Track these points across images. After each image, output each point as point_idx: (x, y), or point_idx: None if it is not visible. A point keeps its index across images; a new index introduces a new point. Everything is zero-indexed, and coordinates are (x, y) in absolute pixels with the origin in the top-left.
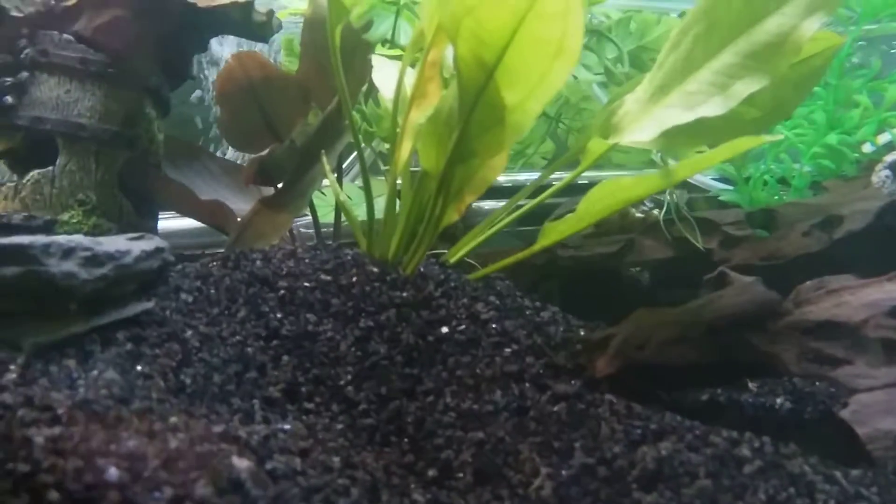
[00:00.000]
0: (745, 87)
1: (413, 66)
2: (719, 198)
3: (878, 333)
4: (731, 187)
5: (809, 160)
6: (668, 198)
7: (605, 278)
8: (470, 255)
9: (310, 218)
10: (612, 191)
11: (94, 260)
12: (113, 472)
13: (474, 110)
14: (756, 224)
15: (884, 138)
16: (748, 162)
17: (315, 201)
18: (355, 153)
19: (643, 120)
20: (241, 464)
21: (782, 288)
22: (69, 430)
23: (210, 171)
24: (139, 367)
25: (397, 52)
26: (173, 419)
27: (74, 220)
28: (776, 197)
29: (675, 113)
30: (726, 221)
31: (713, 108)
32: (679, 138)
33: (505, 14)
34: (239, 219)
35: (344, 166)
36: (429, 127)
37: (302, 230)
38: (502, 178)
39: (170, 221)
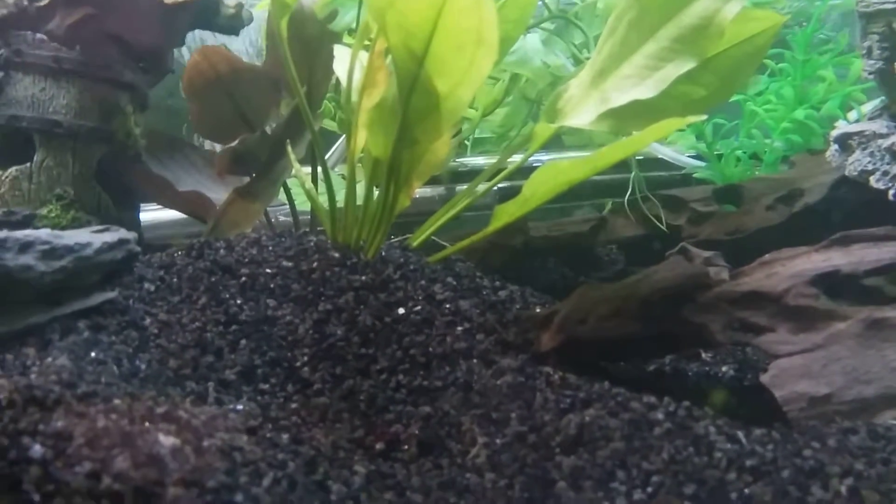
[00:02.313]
0: (675, 69)
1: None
2: (693, 175)
3: (798, 302)
4: (703, 164)
5: (779, 135)
6: (633, 178)
7: (578, 257)
8: (443, 238)
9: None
10: (554, 173)
11: (53, 253)
12: (37, 450)
13: (411, 98)
14: (724, 200)
15: (854, 114)
16: (719, 139)
17: (294, 189)
18: (339, 141)
19: (584, 104)
20: (167, 441)
21: (746, 260)
22: (2, 413)
23: (192, 162)
24: (94, 354)
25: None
26: (116, 401)
27: (53, 215)
28: (749, 172)
29: (612, 96)
30: (693, 198)
31: (646, 90)
32: (627, 119)
33: (423, 6)
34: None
35: (328, 156)
36: (375, 115)
37: (281, 218)
38: (482, 161)
39: (156, 213)
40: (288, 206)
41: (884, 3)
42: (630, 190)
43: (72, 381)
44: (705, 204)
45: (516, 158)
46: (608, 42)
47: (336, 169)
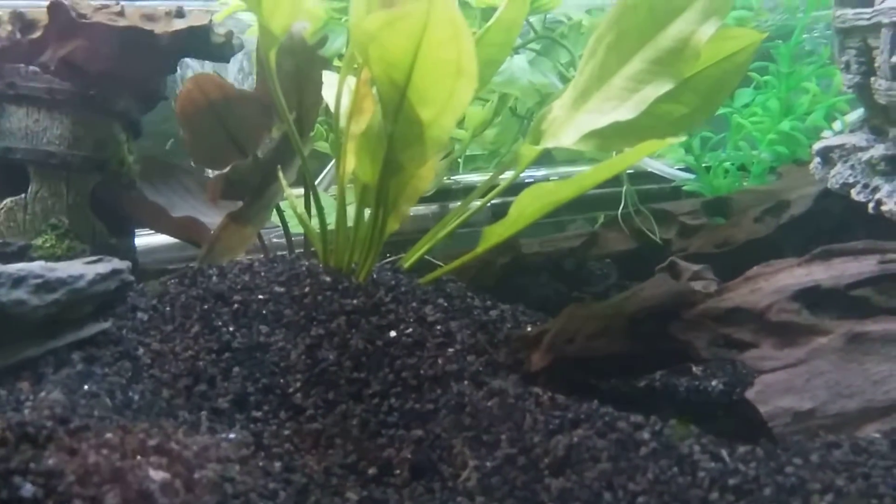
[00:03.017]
0: (653, 90)
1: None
2: (683, 188)
3: (781, 317)
4: (693, 176)
5: (766, 147)
6: (625, 192)
7: (570, 272)
8: (437, 256)
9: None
10: (539, 194)
11: (46, 286)
12: (28, 489)
13: (396, 126)
14: (713, 212)
15: (839, 124)
16: (707, 151)
17: (287, 211)
18: (332, 163)
19: (566, 126)
20: (157, 475)
21: (735, 273)
22: None
23: (186, 187)
24: (87, 387)
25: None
26: (108, 435)
27: (48, 245)
28: (737, 184)
29: (593, 118)
30: (683, 212)
31: (626, 112)
32: (610, 139)
33: (402, 40)
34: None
35: (320, 179)
36: (362, 142)
37: (274, 240)
38: (474, 178)
39: (151, 237)
40: (281, 228)
41: (858, 19)
42: (622, 204)
43: (65, 416)
44: (694, 217)
45: (507, 176)
46: (589, 64)
47: (329, 190)
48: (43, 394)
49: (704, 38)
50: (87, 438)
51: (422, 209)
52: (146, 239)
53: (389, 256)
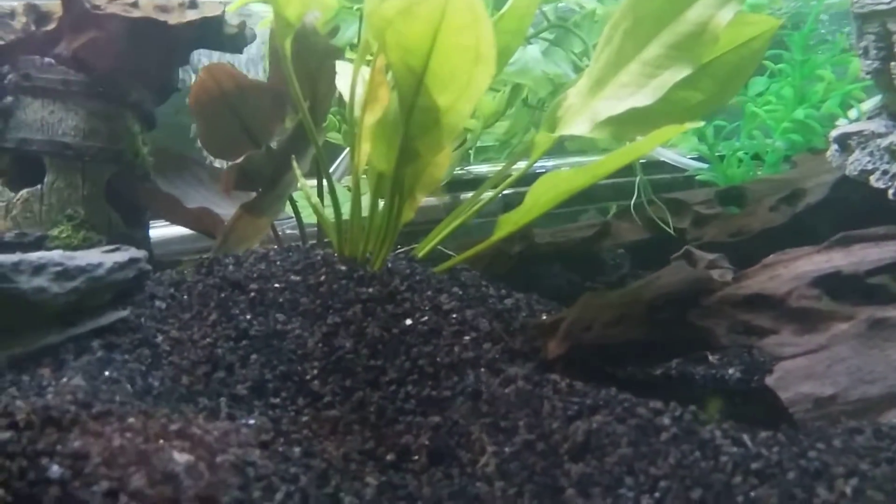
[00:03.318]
0: (671, 76)
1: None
2: (696, 177)
3: (800, 304)
4: (707, 166)
5: (780, 135)
6: (638, 182)
7: (583, 262)
8: (450, 246)
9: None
10: (555, 183)
11: (66, 274)
12: (55, 470)
13: (412, 114)
14: (727, 201)
15: (854, 112)
16: (720, 140)
17: (300, 202)
18: (345, 153)
19: (582, 113)
20: (181, 458)
21: (751, 262)
22: (20, 435)
23: (199, 178)
24: (108, 373)
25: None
26: (130, 420)
27: (64, 235)
28: (751, 173)
29: (610, 104)
30: (696, 201)
31: (643, 98)
32: (626, 126)
33: (420, 25)
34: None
35: (332, 168)
36: (378, 130)
37: (287, 231)
38: (485, 169)
39: (165, 229)
40: (294, 219)
41: (878, 3)
42: (636, 193)
43: (87, 401)
44: (708, 206)
45: (520, 166)
46: (605, 51)
47: (342, 181)
48: (64, 380)
49: (723, 22)
50: (110, 422)
51: (433, 200)
52: (160, 230)
53: (400, 248)
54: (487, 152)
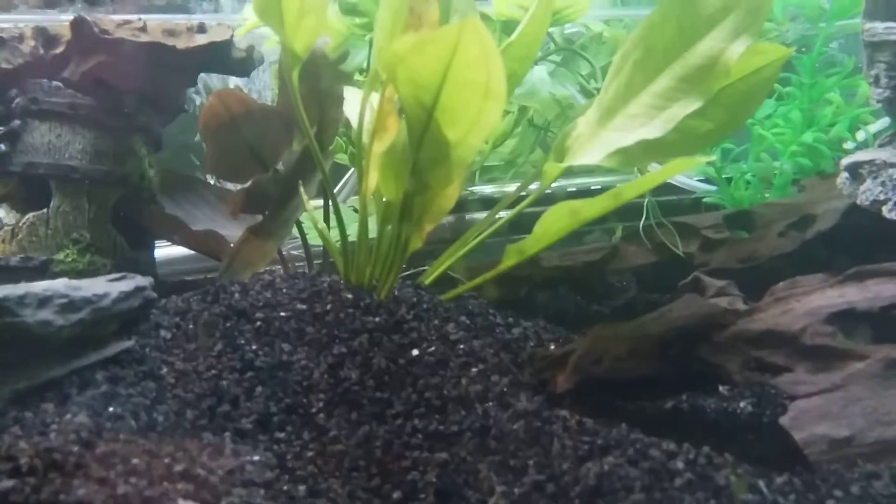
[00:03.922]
0: (681, 109)
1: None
2: (703, 199)
3: (815, 341)
4: (713, 188)
5: (788, 158)
6: (646, 204)
7: (590, 285)
8: (459, 269)
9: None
10: (564, 213)
11: (71, 306)
12: None
13: (422, 146)
14: (735, 226)
15: (862, 134)
16: (728, 163)
17: (306, 224)
18: (351, 172)
19: (592, 143)
20: None
21: (761, 289)
22: (24, 482)
23: (206, 199)
24: (112, 409)
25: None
26: (135, 461)
27: (69, 259)
28: (759, 196)
29: (619, 136)
30: (705, 225)
31: (652, 130)
32: (635, 156)
33: (432, 62)
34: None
35: (338, 187)
36: (386, 160)
37: (292, 252)
38: (489, 189)
39: (171, 248)
40: (298, 240)
41: (889, 33)
42: (644, 216)
43: (91, 441)
44: (717, 231)
45: (531, 187)
46: (614, 81)
47: (347, 202)
48: (68, 416)
49: (735, 56)
50: (114, 465)
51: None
52: (166, 250)
53: (405, 268)
54: (492, 172)
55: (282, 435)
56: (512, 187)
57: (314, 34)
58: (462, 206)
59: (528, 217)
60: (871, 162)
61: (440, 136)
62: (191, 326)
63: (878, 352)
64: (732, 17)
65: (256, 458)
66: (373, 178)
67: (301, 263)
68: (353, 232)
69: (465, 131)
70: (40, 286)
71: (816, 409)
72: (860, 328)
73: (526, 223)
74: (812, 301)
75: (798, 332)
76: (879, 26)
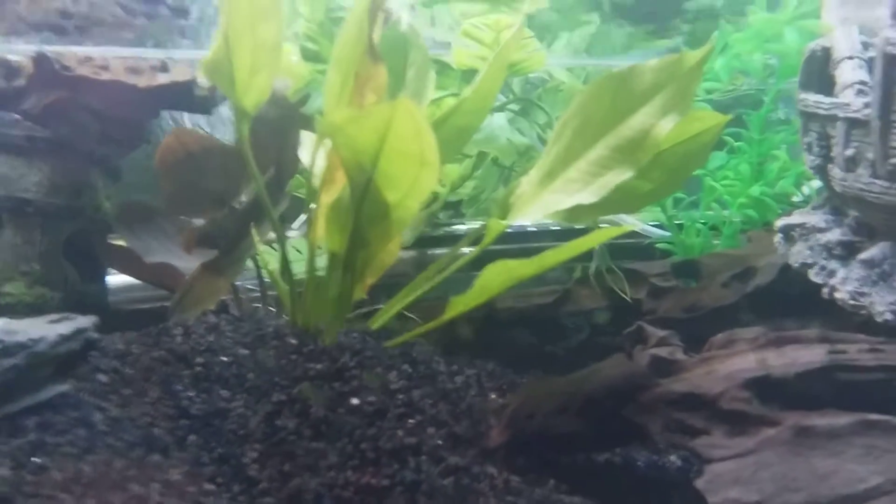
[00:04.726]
0: (615, 177)
1: None
2: (655, 245)
3: (731, 406)
4: (667, 233)
5: (737, 210)
6: (596, 252)
7: (543, 327)
8: (413, 310)
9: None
10: (503, 270)
11: (5, 351)
12: None
13: (363, 205)
14: (682, 274)
15: (807, 190)
16: (680, 210)
17: (266, 258)
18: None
19: (533, 203)
20: None
21: (702, 338)
22: None
23: (165, 231)
24: (37, 459)
25: None
26: None
27: (17, 292)
28: (708, 244)
29: (558, 198)
30: (653, 273)
31: (588, 196)
32: (575, 214)
33: (368, 133)
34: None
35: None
36: (332, 213)
37: (248, 285)
38: (462, 228)
39: (125, 276)
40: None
41: (818, 106)
42: (594, 262)
43: (9, 496)
44: (664, 279)
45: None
46: (556, 145)
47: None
48: None
49: (664, 131)
50: None
51: (400, 253)
52: (120, 277)
53: (359, 305)
54: (454, 207)
55: (211, 487)
56: (475, 223)
57: (265, 91)
58: (424, 242)
59: (493, 253)
60: (801, 225)
61: (380, 197)
62: (129, 370)
63: (788, 418)
64: (663, 95)
65: None
66: (321, 227)
67: (257, 303)
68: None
69: (403, 195)
70: None
71: (729, 474)
72: (775, 394)
73: (490, 259)
74: (733, 364)
75: (717, 395)
76: (810, 98)
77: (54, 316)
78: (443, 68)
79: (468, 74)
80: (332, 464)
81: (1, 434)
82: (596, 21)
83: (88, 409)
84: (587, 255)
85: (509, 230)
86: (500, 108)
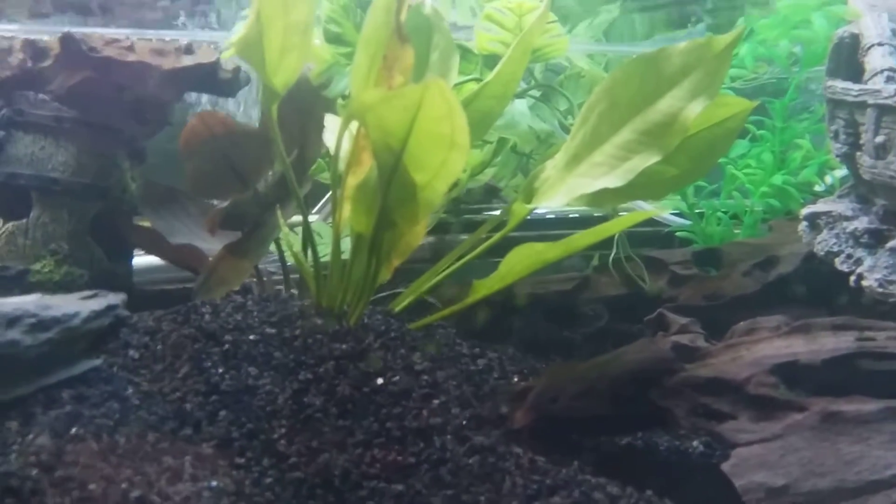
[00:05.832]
0: (642, 161)
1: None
2: (676, 233)
3: (758, 391)
4: (687, 222)
5: (759, 198)
6: (616, 239)
7: (562, 313)
8: (432, 294)
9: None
10: (528, 254)
11: (40, 325)
12: None
13: (390, 187)
14: (703, 262)
15: (830, 179)
16: (701, 199)
17: (284, 244)
18: (329, 194)
19: (558, 187)
20: None
21: (723, 326)
22: None
23: (188, 212)
24: (75, 430)
25: None
26: (91, 486)
27: (46, 270)
28: (728, 233)
29: (584, 182)
30: (674, 260)
31: (614, 179)
32: (600, 199)
33: (398, 113)
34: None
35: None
36: (358, 194)
37: (270, 268)
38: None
39: (151, 257)
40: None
41: (846, 93)
42: (614, 249)
43: (50, 464)
44: (685, 267)
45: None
46: (581, 129)
47: (328, 220)
48: (30, 436)
49: (692, 115)
50: (70, 490)
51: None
52: (145, 259)
53: (381, 289)
54: (474, 194)
55: (241, 461)
56: (495, 210)
57: (295, 72)
58: (442, 228)
59: (512, 240)
60: (828, 213)
61: (407, 178)
62: (159, 347)
63: (816, 404)
64: (691, 79)
65: (214, 483)
66: (347, 208)
67: (280, 285)
68: (327, 253)
69: (432, 177)
70: (10, 304)
71: (756, 458)
72: (802, 379)
73: (509, 246)
74: (760, 350)
75: (743, 381)
76: (838, 85)
77: (86, 292)
78: (464, 53)
79: (489, 59)
80: (359, 441)
81: (38, 405)
82: (616, 9)
83: (121, 383)
84: (606, 244)
85: (528, 218)
86: (522, 95)
